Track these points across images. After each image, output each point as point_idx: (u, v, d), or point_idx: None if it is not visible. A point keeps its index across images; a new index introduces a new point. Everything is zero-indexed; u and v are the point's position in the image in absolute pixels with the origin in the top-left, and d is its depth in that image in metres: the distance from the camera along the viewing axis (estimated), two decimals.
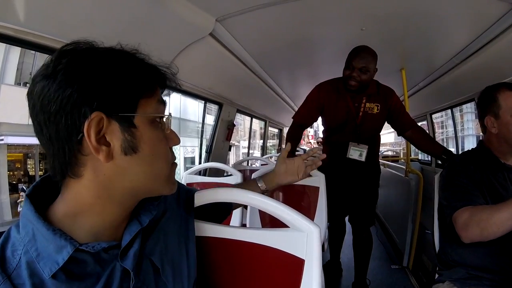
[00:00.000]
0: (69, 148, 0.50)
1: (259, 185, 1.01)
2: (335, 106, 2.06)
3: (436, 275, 1.34)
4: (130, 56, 0.55)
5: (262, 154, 6.14)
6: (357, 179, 2.21)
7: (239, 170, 2.22)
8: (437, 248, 1.41)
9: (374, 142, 2.23)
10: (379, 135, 2.31)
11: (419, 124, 2.47)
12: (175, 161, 0.63)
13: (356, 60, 1.91)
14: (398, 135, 2.24)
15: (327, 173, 2.30)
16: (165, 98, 0.61)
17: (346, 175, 2.22)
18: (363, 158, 2.08)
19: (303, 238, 0.73)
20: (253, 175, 2.00)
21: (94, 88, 0.49)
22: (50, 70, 0.49)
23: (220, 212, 0.96)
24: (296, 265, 0.73)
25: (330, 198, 2.28)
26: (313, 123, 2.32)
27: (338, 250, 2.58)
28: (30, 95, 0.50)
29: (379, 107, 2.04)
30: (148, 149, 0.54)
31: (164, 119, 0.59)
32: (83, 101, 0.48)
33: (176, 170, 0.64)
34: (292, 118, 2.25)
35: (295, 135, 2.24)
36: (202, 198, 0.82)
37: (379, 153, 2.92)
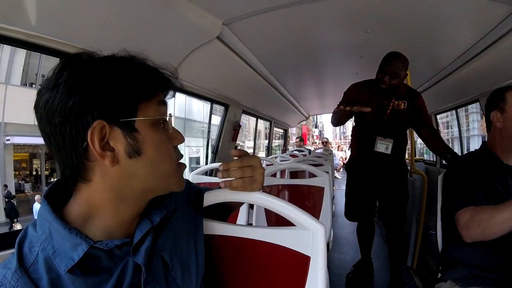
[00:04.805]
0: (76, 156, 0.53)
1: None
2: (367, 103, 2.15)
3: (439, 274, 1.36)
4: (128, 62, 0.57)
5: (267, 155, 6.16)
6: (385, 177, 2.31)
7: None
8: (440, 248, 1.43)
9: (401, 139, 2.35)
10: (406, 135, 2.45)
11: None
12: (183, 162, 0.65)
13: (387, 67, 2.07)
14: (416, 131, 2.41)
15: (355, 170, 2.47)
16: (171, 98, 0.62)
17: (373, 173, 2.33)
18: (389, 151, 2.24)
19: (309, 236, 0.75)
20: None
21: (94, 97, 0.51)
22: (53, 83, 0.51)
23: (223, 211, 0.97)
24: (302, 262, 0.76)
25: (357, 197, 2.44)
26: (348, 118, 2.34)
27: (368, 250, 2.62)
28: (36, 108, 0.53)
29: (405, 104, 2.22)
30: (151, 151, 0.56)
31: (167, 119, 0.60)
32: (85, 111, 0.50)
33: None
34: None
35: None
36: (211, 198, 0.84)
37: None
